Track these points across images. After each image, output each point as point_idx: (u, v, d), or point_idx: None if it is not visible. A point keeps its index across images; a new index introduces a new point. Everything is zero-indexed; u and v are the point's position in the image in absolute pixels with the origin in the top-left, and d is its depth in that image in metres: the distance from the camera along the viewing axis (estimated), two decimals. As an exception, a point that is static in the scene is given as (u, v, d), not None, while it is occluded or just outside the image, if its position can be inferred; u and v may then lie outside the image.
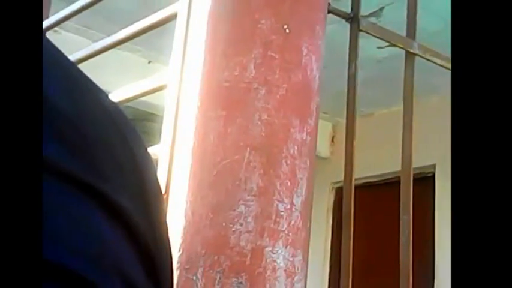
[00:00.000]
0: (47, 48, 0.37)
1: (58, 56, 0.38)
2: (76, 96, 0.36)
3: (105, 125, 0.37)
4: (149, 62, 4.32)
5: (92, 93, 0.38)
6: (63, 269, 0.31)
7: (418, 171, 3.67)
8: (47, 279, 0.31)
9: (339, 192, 4.33)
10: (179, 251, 0.98)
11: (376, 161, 4.07)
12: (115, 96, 1.37)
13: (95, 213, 0.34)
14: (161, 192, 0.41)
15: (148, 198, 0.38)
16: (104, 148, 0.36)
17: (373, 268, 4.14)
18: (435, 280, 3.89)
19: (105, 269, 0.33)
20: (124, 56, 4.05)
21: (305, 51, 1.09)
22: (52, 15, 1.69)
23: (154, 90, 1.26)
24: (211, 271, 0.95)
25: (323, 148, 4.54)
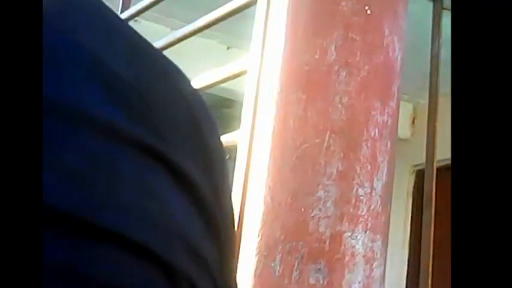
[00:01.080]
0: (111, 19, 0.38)
1: (124, 28, 0.38)
2: (134, 59, 0.36)
3: (170, 92, 0.38)
4: (228, 48, 4.34)
5: (147, 51, 0.39)
6: (126, 238, 0.32)
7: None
8: (109, 248, 0.31)
9: (420, 175, 4.25)
10: (258, 236, 0.98)
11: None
12: (195, 83, 1.38)
13: (159, 178, 0.34)
14: (225, 159, 0.41)
15: (212, 163, 0.38)
16: (168, 113, 0.36)
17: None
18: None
19: (169, 237, 0.33)
20: (202, 42, 4.07)
21: (387, 31, 1.07)
22: (133, 5, 1.71)
23: (234, 76, 1.26)
24: (289, 257, 0.95)
25: (403, 130, 4.46)
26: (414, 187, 4.48)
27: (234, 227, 0.42)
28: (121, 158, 0.33)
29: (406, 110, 4.49)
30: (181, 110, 0.38)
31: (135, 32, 0.39)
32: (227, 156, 0.43)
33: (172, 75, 0.39)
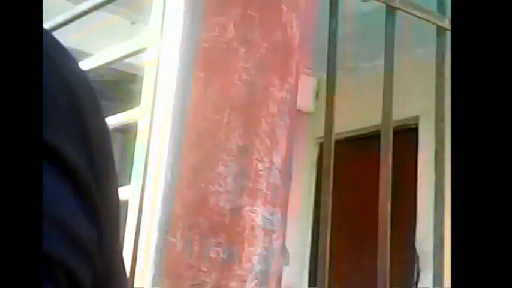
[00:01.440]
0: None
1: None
2: None
3: (48, 73, 0.37)
4: (132, 23, 4.26)
5: (47, 55, 0.38)
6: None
7: (401, 124, 3.68)
8: None
9: (323, 147, 4.35)
10: (159, 212, 0.99)
11: (362, 115, 4.08)
12: (97, 60, 1.36)
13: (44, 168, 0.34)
14: (109, 141, 0.42)
15: (93, 146, 0.39)
16: (50, 106, 0.36)
17: (354, 221, 4.19)
18: (416, 232, 3.95)
19: (45, 225, 0.33)
20: (107, 17, 3.99)
21: (285, 8, 1.09)
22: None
23: (135, 53, 1.25)
24: (190, 232, 0.96)
25: (307, 103, 4.54)
26: (318, 159, 4.58)
27: (117, 208, 0.42)
28: None
29: (310, 84, 4.57)
30: (59, 92, 0.37)
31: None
32: (111, 139, 0.42)
33: (52, 56, 0.39)
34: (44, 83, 0.36)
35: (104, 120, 0.42)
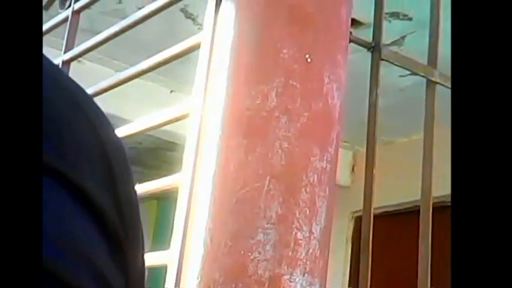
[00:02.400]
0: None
1: (47, 66, 0.39)
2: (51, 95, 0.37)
3: (72, 111, 0.38)
4: (171, 92, 4.36)
5: (58, 80, 0.39)
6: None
7: (439, 200, 3.64)
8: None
9: (359, 221, 4.31)
10: (197, 278, 0.99)
11: (397, 190, 4.04)
12: (137, 125, 1.39)
13: (67, 204, 0.34)
14: (131, 177, 0.42)
15: (117, 191, 0.39)
16: (69, 132, 0.36)
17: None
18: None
19: (76, 260, 0.33)
20: (146, 85, 4.09)
21: (326, 80, 1.10)
22: (77, 45, 1.71)
23: (177, 119, 1.27)
24: (229, 299, 0.95)
25: (343, 177, 4.53)
26: (353, 233, 4.53)
27: (143, 274, 0.42)
28: None
29: (346, 158, 4.58)
30: (92, 144, 0.38)
31: (60, 71, 0.41)
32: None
33: (92, 120, 0.39)
34: (57, 103, 0.37)
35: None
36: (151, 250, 1.18)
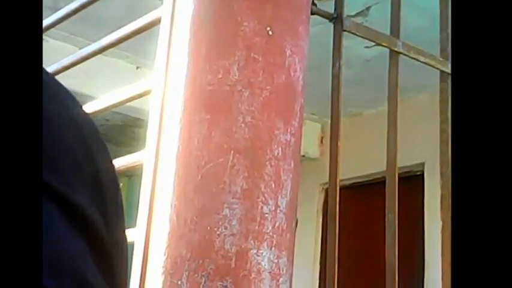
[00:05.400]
0: None
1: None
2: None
3: (62, 116, 0.38)
4: (137, 68, 4.31)
5: (58, 98, 0.39)
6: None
7: (406, 170, 3.67)
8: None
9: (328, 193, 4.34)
10: (164, 255, 0.98)
11: (365, 161, 4.08)
12: (102, 103, 1.37)
13: (54, 216, 0.34)
14: (118, 185, 0.42)
15: (103, 190, 0.39)
16: (65, 150, 0.36)
17: (360, 268, 4.15)
18: (425, 280, 3.90)
19: (61, 273, 0.33)
20: (112, 62, 4.05)
21: (288, 52, 1.10)
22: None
23: (140, 96, 1.26)
24: (196, 275, 0.95)
25: (312, 149, 4.55)
26: (324, 205, 4.56)
27: (126, 251, 0.42)
28: None
29: (314, 130, 4.59)
30: (72, 135, 0.38)
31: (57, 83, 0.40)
32: (120, 184, 0.42)
33: (63, 99, 0.39)
34: (58, 127, 0.37)
35: (112, 163, 0.42)
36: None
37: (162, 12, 1.21)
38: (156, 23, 1.23)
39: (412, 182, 3.90)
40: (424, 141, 3.59)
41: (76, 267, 0.35)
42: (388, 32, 1.48)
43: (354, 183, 4.26)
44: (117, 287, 0.39)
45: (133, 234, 1.10)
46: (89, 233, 0.36)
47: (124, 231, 0.42)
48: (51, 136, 0.36)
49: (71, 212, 0.35)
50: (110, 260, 0.38)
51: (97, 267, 0.36)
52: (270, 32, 1.07)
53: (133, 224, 1.11)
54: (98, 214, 0.37)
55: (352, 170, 3.83)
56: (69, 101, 0.40)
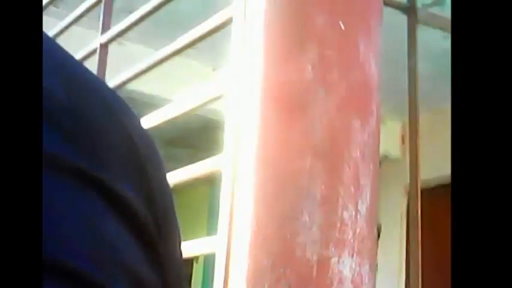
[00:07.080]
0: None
1: (53, 47, 0.38)
2: (73, 88, 0.36)
3: (104, 115, 0.38)
4: (213, 70, 4.33)
5: (90, 83, 0.39)
6: (68, 270, 0.31)
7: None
8: (52, 279, 0.31)
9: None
10: (246, 265, 0.96)
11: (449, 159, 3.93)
12: (178, 107, 1.35)
13: (98, 207, 0.34)
14: (166, 180, 0.42)
15: (151, 187, 0.39)
16: (103, 138, 0.36)
17: (447, 271, 4.01)
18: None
19: (111, 268, 0.33)
20: (188, 64, 4.07)
21: (362, 47, 1.04)
22: (113, 25, 1.67)
23: (215, 99, 1.23)
24: (278, 284, 0.92)
25: (394, 149, 4.42)
26: (407, 208, 4.43)
27: (180, 265, 0.41)
28: (60, 188, 0.33)
29: (395, 130, 4.46)
30: (124, 145, 0.37)
31: (87, 70, 0.40)
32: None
33: (116, 111, 0.39)
34: (89, 107, 0.36)
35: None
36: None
37: (233, 11, 1.17)
38: (228, 23, 1.20)
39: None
40: None
41: (125, 260, 0.35)
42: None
43: (439, 184, 4.10)
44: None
45: (214, 244, 1.08)
46: (134, 224, 0.36)
47: (179, 248, 0.42)
48: (88, 122, 0.36)
49: (115, 202, 0.35)
50: (157, 254, 0.38)
51: (146, 260, 0.36)
52: (342, 26, 1.01)
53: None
54: (144, 207, 0.37)
55: (435, 169, 3.69)
56: (124, 112, 0.40)
